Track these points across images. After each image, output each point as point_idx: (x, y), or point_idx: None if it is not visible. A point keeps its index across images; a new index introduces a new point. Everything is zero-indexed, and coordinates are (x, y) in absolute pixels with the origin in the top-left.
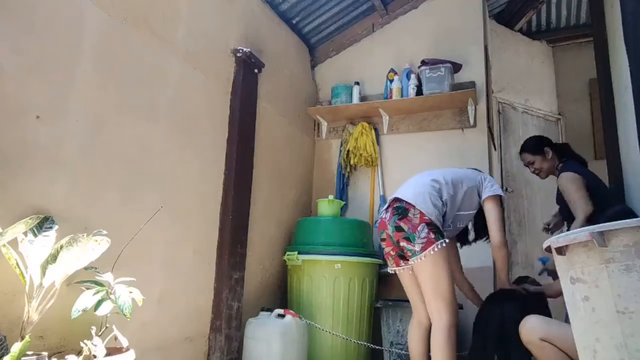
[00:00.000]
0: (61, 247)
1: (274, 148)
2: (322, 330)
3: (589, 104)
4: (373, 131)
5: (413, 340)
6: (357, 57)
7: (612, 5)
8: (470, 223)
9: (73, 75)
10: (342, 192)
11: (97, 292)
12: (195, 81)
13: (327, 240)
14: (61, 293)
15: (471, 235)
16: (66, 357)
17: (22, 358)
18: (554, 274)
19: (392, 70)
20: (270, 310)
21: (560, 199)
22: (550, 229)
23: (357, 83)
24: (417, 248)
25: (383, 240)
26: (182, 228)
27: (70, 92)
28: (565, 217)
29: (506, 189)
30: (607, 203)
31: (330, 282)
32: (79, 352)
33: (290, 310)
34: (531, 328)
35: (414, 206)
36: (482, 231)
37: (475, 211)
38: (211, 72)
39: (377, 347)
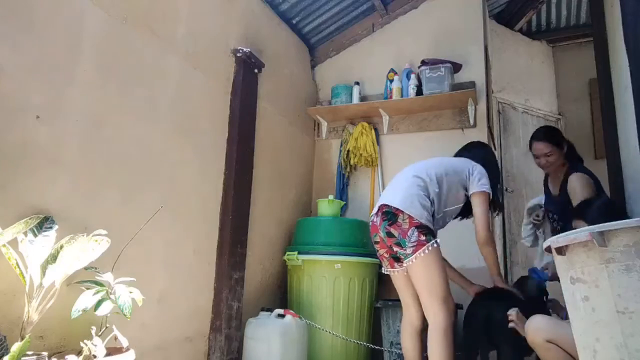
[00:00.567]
0: (61, 247)
1: (274, 148)
2: (322, 330)
3: (589, 104)
4: (373, 131)
5: (407, 342)
6: (357, 57)
7: (612, 5)
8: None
9: (73, 75)
10: (342, 192)
11: (97, 292)
12: (195, 81)
13: (327, 240)
14: (61, 293)
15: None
16: (66, 357)
17: (22, 358)
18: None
19: (392, 70)
20: (270, 310)
21: (565, 195)
22: (540, 221)
23: (357, 83)
24: (408, 251)
25: (376, 242)
26: (182, 228)
27: (70, 92)
28: (559, 213)
29: (506, 189)
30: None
31: (330, 282)
32: (79, 352)
33: (290, 310)
34: (537, 328)
35: (402, 211)
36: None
37: (462, 204)
38: (211, 72)
39: (377, 347)
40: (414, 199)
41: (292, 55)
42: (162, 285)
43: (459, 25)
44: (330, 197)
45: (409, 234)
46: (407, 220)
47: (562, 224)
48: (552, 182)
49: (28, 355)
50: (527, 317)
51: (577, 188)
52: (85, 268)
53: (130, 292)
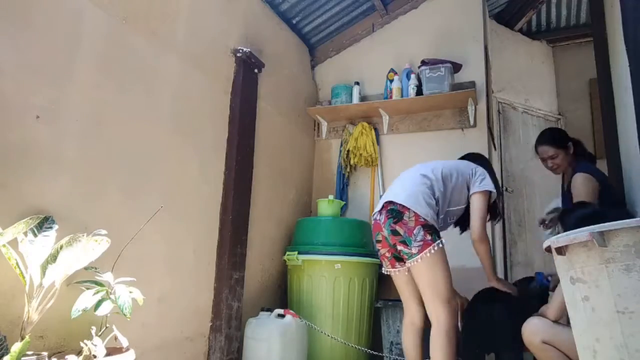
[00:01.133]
0: (61, 247)
1: (274, 148)
2: (322, 333)
3: (589, 104)
4: (373, 131)
5: (408, 341)
6: (357, 57)
7: (612, 5)
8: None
9: (73, 75)
10: (342, 192)
11: (97, 292)
12: (195, 81)
13: (327, 240)
14: (61, 293)
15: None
16: (66, 357)
17: (22, 358)
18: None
19: (392, 70)
20: (270, 310)
21: (570, 195)
22: (547, 224)
23: (357, 83)
24: (414, 251)
25: (378, 242)
26: (182, 228)
27: (70, 92)
28: None
29: (506, 189)
30: (613, 204)
31: (330, 282)
32: (79, 352)
33: (290, 311)
34: (533, 330)
35: (408, 209)
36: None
37: (465, 206)
38: (211, 72)
39: (375, 353)
40: (420, 197)
41: (292, 55)
42: (162, 285)
43: (459, 25)
44: (330, 197)
45: (415, 232)
46: (414, 218)
47: None
48: (565, 183)
49: (28, 355)
50: (525, 318)
51: (577, 189)
52: (85, 268)
53: (130, 292)
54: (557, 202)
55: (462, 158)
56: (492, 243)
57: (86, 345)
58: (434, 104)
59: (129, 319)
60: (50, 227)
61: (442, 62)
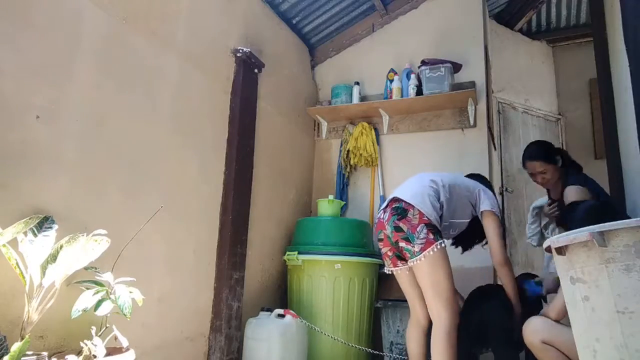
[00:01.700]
0: (61, 247)
1: (274, 148)
2: (321, 333)
3: (589, 104)
4: (373, 131)
5: (412, 340)
6: (357, 57)
7: (612, 5)
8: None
9: (73, 75)
10: (342, 192)
11: (97, 292)
12: (195, 81)
13: (327, 240)
14: (61, 293)
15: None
16: (66, 357)
17: (22, 358)
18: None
19: (392, 70)
20: (270, 310)
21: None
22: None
23: (357, 83)
24: (416, 249)
25: (380, 240)
26: (182, 228)
27: (70, 92)
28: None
29: (506, 189)
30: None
31: (330, 282)
32: (79, 352)
33: (290, 311)
34: (534, 330)
35: (413, 206)
36: (473, 239)
37: (468, 220)
38: (211, 72)
39: (375, 352)
40: (425, 197)
41: (292, 55)
42: (162, 285)
43: (459, 25)
44: (330, 197)
45: (418, 229)
46: (418, 216)
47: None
48: (553, 196)
49: (28, 355)
50: (524, 320)
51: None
52: (85, 268)
53: (130, 292)
54: (543, 200)
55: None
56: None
57: (86, 345)
58: (434, 104)
59: (129, 319)
60: (50, 227)
61: (442, 62)
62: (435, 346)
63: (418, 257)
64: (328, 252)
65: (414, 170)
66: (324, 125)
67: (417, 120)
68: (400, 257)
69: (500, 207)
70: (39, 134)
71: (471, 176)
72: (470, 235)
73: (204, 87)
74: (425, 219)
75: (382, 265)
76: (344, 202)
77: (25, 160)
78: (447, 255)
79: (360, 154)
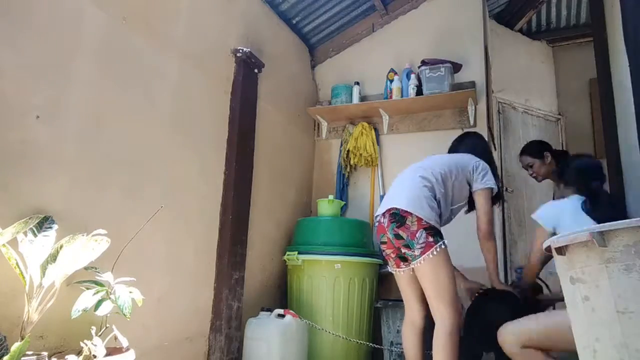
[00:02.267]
0: (61, 247)
1: (274, 148)
2: (322, 330)
3: (589, 104)
4: (373, 131)
5: (408, 341)
6: (357, 57)
7: (612, 5)
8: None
9: (73, 75)
10: (342, 192)
11: (97, 292)
12: (195, 81)
13: (327, 240)
14: (61, 293)
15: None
16: (66, 357)
17: (22, 358)
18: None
19: (392, 70)
20: (270, 310)
21: None
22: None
23: (357, 83)
24: (416, 253)
25: (384, 243)
26: (182, 228)
27: (70, 91)
28: None
29: (506, 189)
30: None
31: (330, 282)
32: (79, 352)
33: (290, 310)
34: (509, 340)
35: (411, 214)
36: (473, 206)
37: (467, 199)
38: (211, 72)
39: (377, 347)
40: (423, 201)
41: (292, 55)
42: (162, 285)
43: (459, 25)
44: (330, 197)
45: (417, 235)
46: (416, 223)
47: None
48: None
49: (28, 355)
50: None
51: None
52: (85, 268)
53: (130, 292)
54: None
55: (458, 142)
56: (503, 246)
57: (86, 345)
58: (434, 104)
59: (128, 319)
60: (50, 227)
61: (442, 62)
62: (438, 347)
63: (418, 260)
64: (328, 252)
65: None
66: (324, 125)
67: (417, 120)
68: (404, 258)
69: (498, 172)
70: (39, 134)
71: (467, 137)
72: (471, 206)
73: (204, 87)
74: (424, 223)
75: (382, 265)
76: (344, 202)
77: (25, 160)
78: (449, 257)
79: (360, 154)
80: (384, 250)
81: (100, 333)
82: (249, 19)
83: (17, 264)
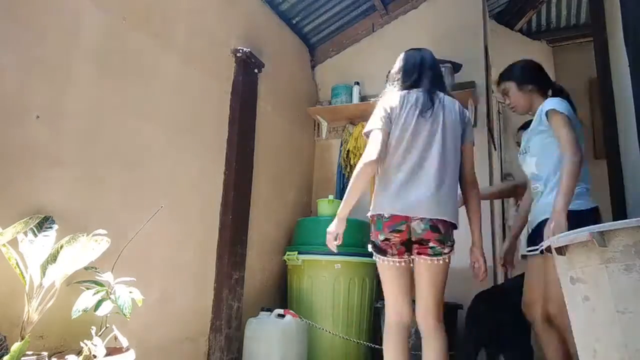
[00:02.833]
0: (61, 247)
1: (274, 148)
2: (322, 330)
3: (589, 104)
4: None
5: (395, 345)
6: (357, 57)
7: (612, 5)
8: None
9: (73, 75)
10: (342, 192)
11: (97, 292)
12: (195, 81)
13: None
14: (61, 293)
15: None
16: (66, 357)
17: (22, 358)
18: None
19: None
20: (270, 310)
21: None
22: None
23: (357, 83)
24: (445, 250)
25: (399, 231)
26: (182, 228)
27: (70, 91)
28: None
29: None
30: None
31: (330, 282)
32: (79, 352)
33: (290, 310)
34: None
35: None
36: None
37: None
38: (211, 72)
39: (377, 347)
40: (454, 205)
41: (292, 55)
42: (162, 285)
43: (459, 25)
44: (330, 197)
45: (449, 232)
46: (448, 222)
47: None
48: None
49: (28, 355)
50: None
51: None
52: (85, 268)
53: (130, 292)
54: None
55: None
56: (492, 243)
57: (86, 345)
58: None
59: (128, 319)
60: (50, 227)
61: (442, 62)
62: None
63: (444, 257)
64: (328, 252)
65: None
66: (324, 125)
67: None
68: (408, 248)
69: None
70: (39, 134)
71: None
72: None
73: (204, 87)
74: (454, 224)
75: None
76: None
77: (25, 160)
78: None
79: (361, 154)
80: (387, 239)
81: (100, 333)
82: (249, 19)
83: (17, 264)
